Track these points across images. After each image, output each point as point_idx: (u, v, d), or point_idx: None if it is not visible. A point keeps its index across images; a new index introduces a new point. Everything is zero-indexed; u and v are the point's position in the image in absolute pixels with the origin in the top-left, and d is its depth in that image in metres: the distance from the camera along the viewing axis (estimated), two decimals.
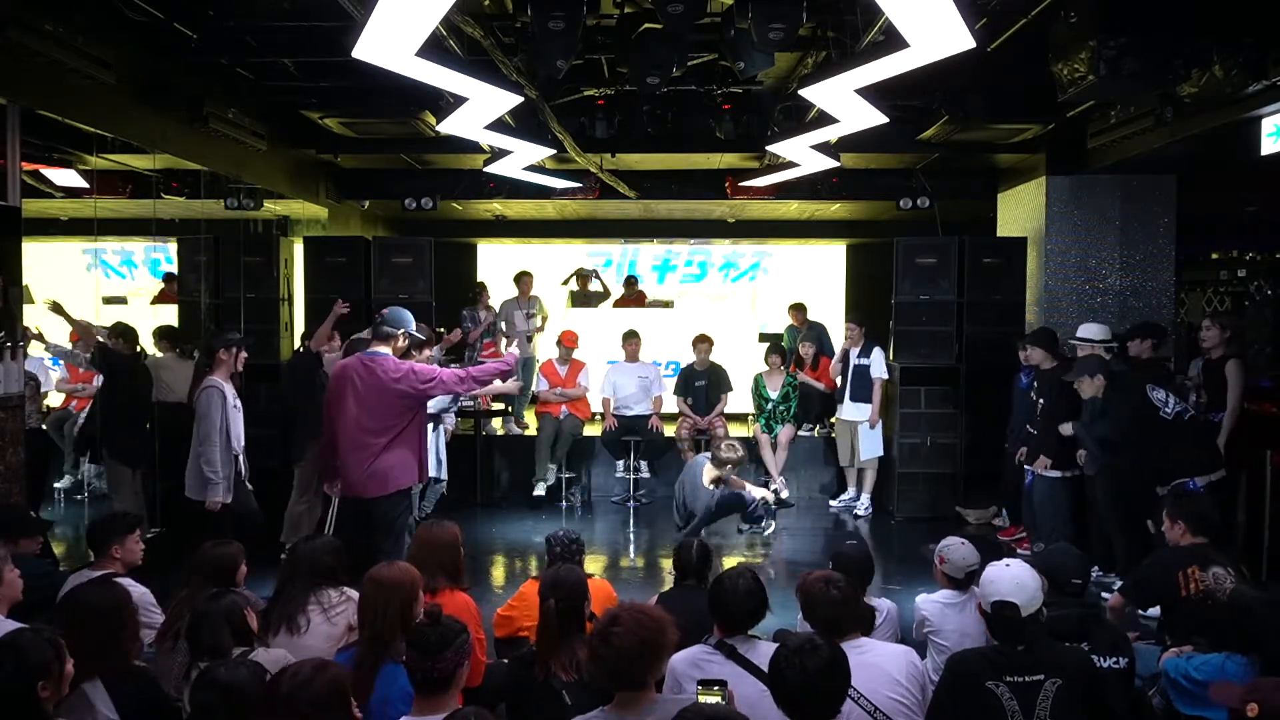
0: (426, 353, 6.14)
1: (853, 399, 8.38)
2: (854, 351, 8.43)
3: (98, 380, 8.29)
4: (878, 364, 8.29)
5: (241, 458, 5.73)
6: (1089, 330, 6.73)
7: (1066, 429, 6.36)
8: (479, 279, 11.17)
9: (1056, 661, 2.99)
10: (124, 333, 7.23)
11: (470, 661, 2.83)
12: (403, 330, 5.20)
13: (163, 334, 7.60)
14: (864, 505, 8.52)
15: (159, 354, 7.37)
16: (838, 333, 9.84)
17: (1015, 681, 2.92)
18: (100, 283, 10.55)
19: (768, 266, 12.54)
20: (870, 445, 8.37)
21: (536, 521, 8.16)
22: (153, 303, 9.36)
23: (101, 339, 6.96)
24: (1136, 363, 6.60)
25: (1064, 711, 2.90)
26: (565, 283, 11.39)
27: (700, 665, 3.10)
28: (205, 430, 5.50)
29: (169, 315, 8.49)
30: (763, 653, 3.00)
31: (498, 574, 7.03)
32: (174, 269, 9.22)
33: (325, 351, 6.73)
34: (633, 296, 11.25)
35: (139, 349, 7.24)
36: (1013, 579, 3.10)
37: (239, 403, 5.76)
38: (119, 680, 2.91)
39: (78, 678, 2.83)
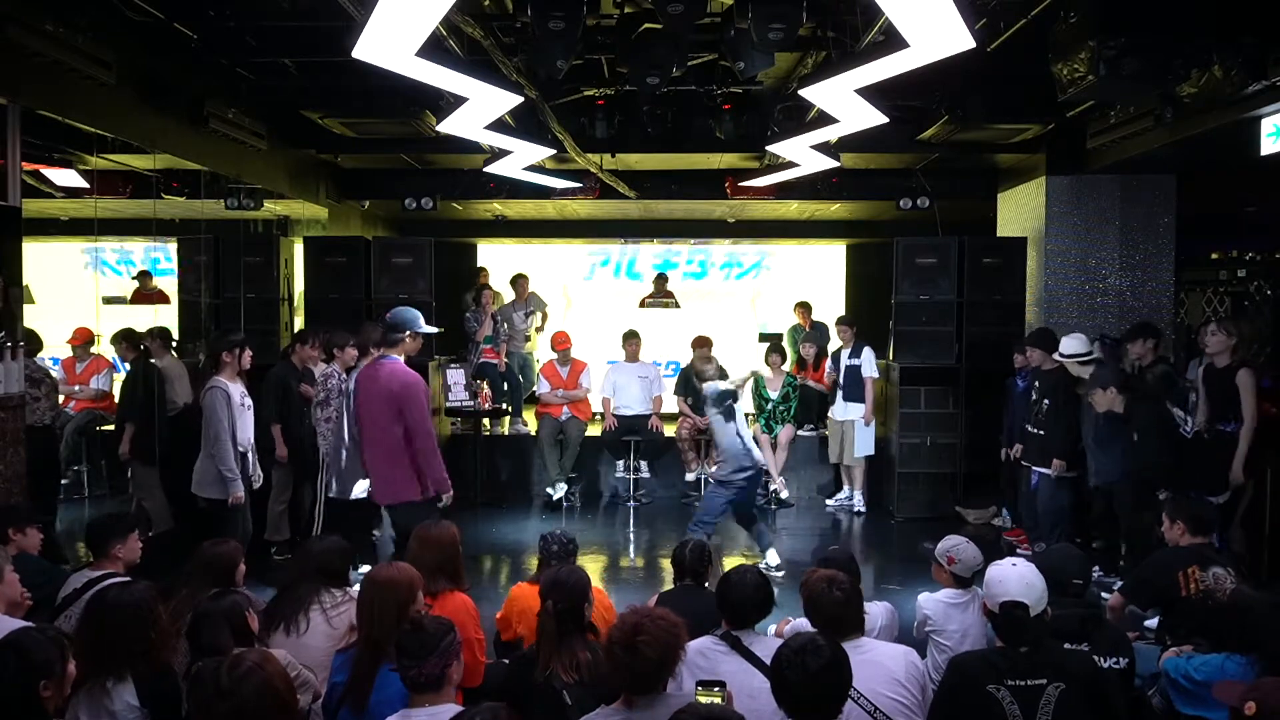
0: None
1: (845, 399, 8.41)
2: (845, 352, 8.46)
3: (95, 382, 8.32)
4: (868, 363, 8.32)
5: (250, 456, 5.74)
6: (1069, 346, 6.67)
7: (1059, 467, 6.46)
8: (479, 265, 11.16)
9: (1060, 665, 2.96)
10: (127, 337, 7.25)
11: (462, 660, 2.86)
12: (409, 331, 5.13)
13: (156, 334, 7.51)
14: (858, 502, 8.54)
15: (156, 360, 7.34)
16: (834, 331, 9.85)
17: (1017, 685, 2.88)
18: (100, 283, 10.55)
19: (770, 265, 12.50)
20: (862, 444, 8.38)
21: (537, 521, 8.16)
22: (131, 302, 9.32)
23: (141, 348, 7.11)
24: (1144, 370, 6.56)
25: (1066, 717, 2.87)
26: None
27: (707, 654, 3.18)
28: (215, 431, 5.52)
29: (167, 314, 8.49)
30: (768, 646, 3.05)
31: (498, 574, 7.03)
32: (146, 266, 9.22)
33: (310, 362, 6.89)
34: (662, 294, 11.16)
35: (143, 348, 7.27)
36: (1021, 578, 3.09)
37: (249, 401, 5.78)
38: (149, 678, 2.92)
39: (104, 676, 2.84)
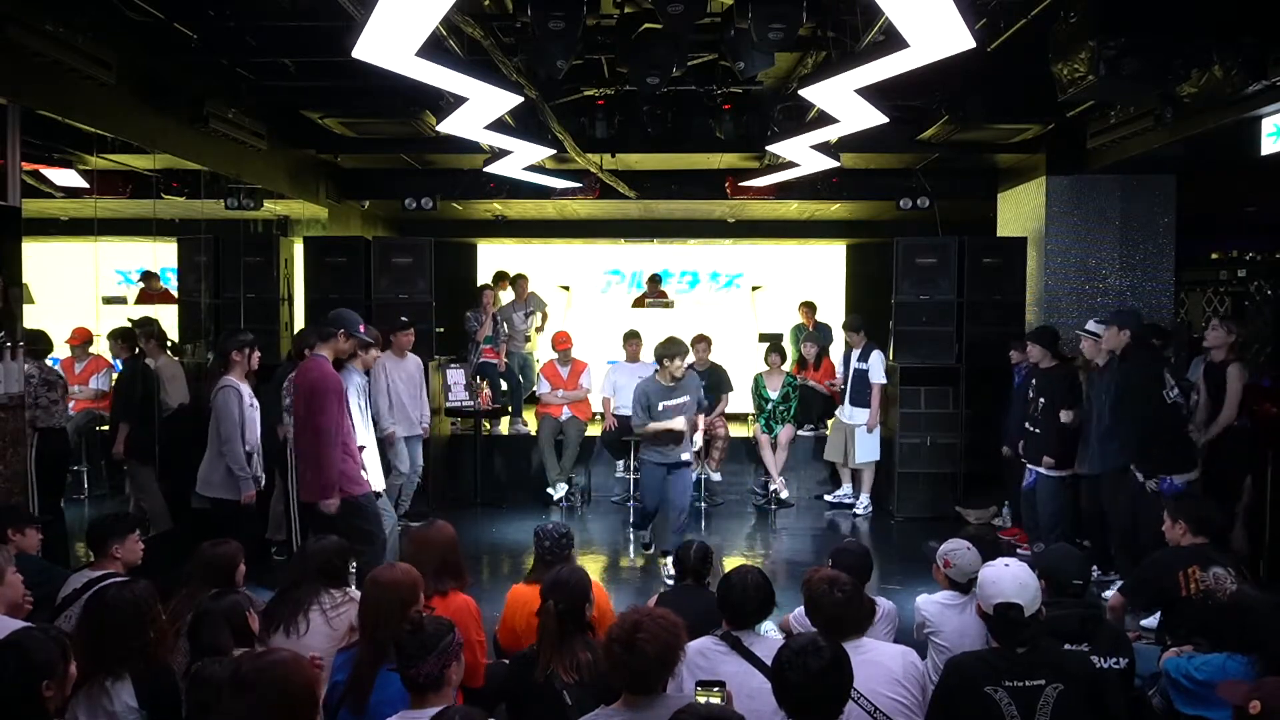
0: (374, 353, 6.00)
1: (853, 403, 8.40)
2: (854, 354, 8.45)
3: (94, 382, 8.31)
4: (876, 369, 8.30)
5: (256, 456, 5.73)
6: (1096, 325, 6.68)
7: (1066, 416, 6.42)
8: (483, 282, 11.11)
9: (1057, 665, 2.95)
10: (123, 335, 7.24)
11: (463, 661, 2.86)
12: (341, 330, 5.15)
13: (152, 334, 7.41)
14: (863, 505, 8.54)
15: (151, 360, 7.32)
16: (839, 332, 9.84)
17: (1014, 686, 2.87)
18: (100, 283, 10.52)
19: (752, 273, 12.44)
20: (867, 449, 8.38)
21: (537, 521, 8.13)
22: (136, 302, 9.30)
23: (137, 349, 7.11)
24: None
25: (1065, 718, 2.85)
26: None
27: (707, 654, 3.18)
28: (227, 431, 5.51)
29: (169, 315, 8.47)
30: (768, 647, 3.05)
31: (499, 574, 7.03)
32: (152, 268, 9.19)
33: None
34: (657, 295, 11.13)
35: (138, 349, 7.26)
36: (1014, 579, 3.07)
37: (256, 402, 5.78)
38: (147, 678, 2.92)
39: (103, 675, 2.84)
